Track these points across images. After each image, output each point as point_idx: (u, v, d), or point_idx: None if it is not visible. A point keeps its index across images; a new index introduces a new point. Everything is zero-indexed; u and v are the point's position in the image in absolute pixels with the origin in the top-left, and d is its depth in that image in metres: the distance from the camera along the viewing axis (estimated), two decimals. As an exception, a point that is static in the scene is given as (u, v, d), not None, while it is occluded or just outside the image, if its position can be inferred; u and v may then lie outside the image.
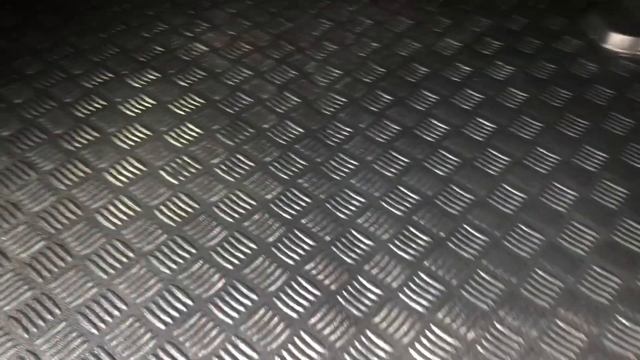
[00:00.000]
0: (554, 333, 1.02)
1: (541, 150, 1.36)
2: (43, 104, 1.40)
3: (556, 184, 1.28)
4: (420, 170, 1.30)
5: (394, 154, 1.33)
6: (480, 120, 1.43)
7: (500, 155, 1.34)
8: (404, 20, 1.73)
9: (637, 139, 1.39)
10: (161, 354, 0.96)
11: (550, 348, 1.00)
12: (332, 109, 1.44)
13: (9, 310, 1.01)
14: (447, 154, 1.34)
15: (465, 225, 1.19)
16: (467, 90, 1.51)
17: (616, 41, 1.65)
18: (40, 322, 0.99)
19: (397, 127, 1.40)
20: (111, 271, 1.07)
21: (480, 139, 1.38)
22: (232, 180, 1.25)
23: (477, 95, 1.50)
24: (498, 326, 1.03)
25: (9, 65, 1.49)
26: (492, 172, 1.30)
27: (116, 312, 1.01)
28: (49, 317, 1.00)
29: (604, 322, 1.04)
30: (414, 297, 1.07)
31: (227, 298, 1.05)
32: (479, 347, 1.00)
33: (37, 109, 1.38)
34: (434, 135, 1.38)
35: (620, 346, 1.01)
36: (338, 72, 1.54)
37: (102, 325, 1.00)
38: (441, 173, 1.29)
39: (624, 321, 1.04)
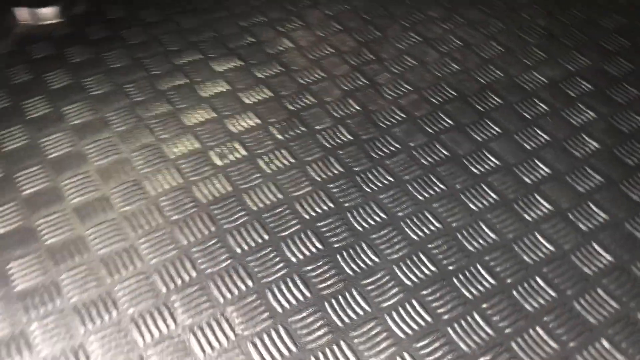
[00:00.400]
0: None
1: (592, 206, 1.27)
2: (137, 71, 1.57)
3: (595, 246, 1.20)
4: (453, 200, 1.28)
5: (432, 178, 1.33)
6: (537, 162, 1.37)
7: (544, 203, 1.28)
8: (495, 46, 1.68)
9: None
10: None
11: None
12: (388, 123, 1.46)
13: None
14: (488, 190, 1.30)
15: (475, 267, 1.16)
16: (535, 129, 1.44)
17: None
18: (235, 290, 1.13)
19: (446, 153, 1.39)
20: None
21: (529, 181, 1.33)
22: (269, 172, 1.33)
23: (544, 136, 1.43)
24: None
25: (116, 33, 1.69)
26: (528, 218, 1.25)
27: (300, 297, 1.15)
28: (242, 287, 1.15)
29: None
30: (400, 322, 1.08)
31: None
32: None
33: (129, 76, 1.56)
34: (481, 168, 1.35)
35: None
36: (408, 87, 1.55)
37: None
38: (474, 207, 1.27)
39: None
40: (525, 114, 1.49)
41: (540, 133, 1.43)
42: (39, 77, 1.56)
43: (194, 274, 1.14)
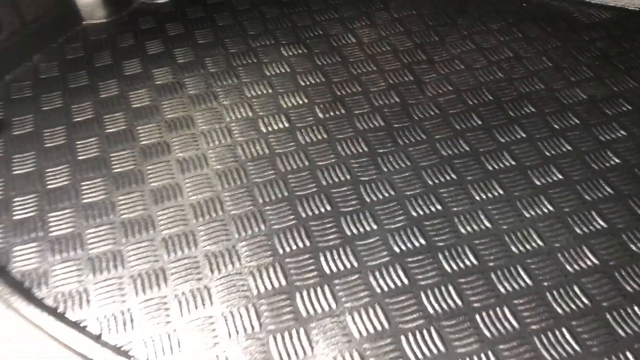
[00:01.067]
0: None
1: (594, 214, 1.34)
2: (217, 47, 1.84)
3: (585, 249, 1.27)
4: (460, 189, 1.40)
5: (447, 168, 1.45)
6: (553, 170, 1.44)
7: (545, 203, 1.36)
8: (545, 62, 1.75)
9: None
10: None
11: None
12: (421, 116, 1.60)
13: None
14: (495, 185, 1.41)
15: (462, 247, 1.28)
16: (560, 139, 1.52)
17: None
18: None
19: (466, 149, 1.50)
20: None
21: (538, 183, 1.41)
22: (303, 142, 1.53)
23: (567, 146, 1.50)
24: None
25: (209, 15, 1.97)
26: (526, 214, 1.34)
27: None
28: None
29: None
30: (381, 282, 1.23)
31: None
32: None
33: (209, 50, 1.83)
34: (495, 166, 1.46)
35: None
36: (449, 87, 1.68)
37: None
38: (477, 198, 1.38)
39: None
40: (555, 124, 1.56)
41: (563, 143, 1.50)
42: (141, 44, 1.87)
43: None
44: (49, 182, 1.47)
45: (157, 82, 1.73)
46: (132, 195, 1.43)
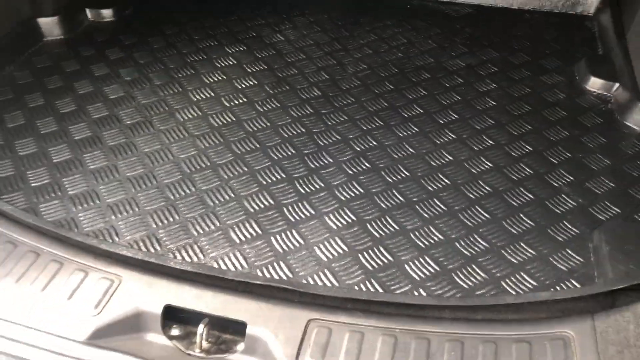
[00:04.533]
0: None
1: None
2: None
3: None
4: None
5: (375, 118, 1.92)
6: (450, 112, 1.96)
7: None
8: (431, 44, 2.31)
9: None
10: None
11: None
12: (348, 87, 2.06)
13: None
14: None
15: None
16: (452, 92, 2.05)
17: None
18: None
19: (385, 105, 1.98)
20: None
21: (438, 123, 1.91)
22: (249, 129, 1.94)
23: (456, 97, 2.03)
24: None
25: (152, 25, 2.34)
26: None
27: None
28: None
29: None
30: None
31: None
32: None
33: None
34: (407, 114, 1.94)
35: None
36: (364, 66, 2.17)
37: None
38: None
39: None
40: (446, 84, 2.09)
41: (453, 95, 2.03)
42: (100, 54, 2.19)
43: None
44: (54, 157, 1.74)
45: (107, 91, 2.04)
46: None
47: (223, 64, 2.15)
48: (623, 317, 1.25)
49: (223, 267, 1.44)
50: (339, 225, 1.55)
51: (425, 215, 1.59)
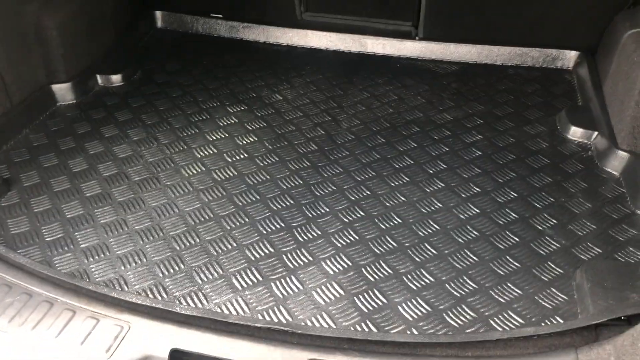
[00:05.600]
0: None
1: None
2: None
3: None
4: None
5: (368, 170, 2.04)
6: (438, 162, 2.08)
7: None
8: (419, 99, 2.46)
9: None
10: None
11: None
12: (342, 141, 2.19)
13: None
14: (403, 176, 2.01)
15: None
16: (440, 144, 2.17)
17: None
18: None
19: (377, 157, 2.10)
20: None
21: (427, 175, 2.03)
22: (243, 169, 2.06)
23: (444, 148, 2.15)
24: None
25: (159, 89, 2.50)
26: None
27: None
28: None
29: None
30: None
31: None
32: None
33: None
34: (398, 165, 2.06)
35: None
36: (357, 122, 2.31)
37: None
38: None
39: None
40: (434, 136, 2.22)
41: (441, 146, 2.16)
42: (110, 116, 2.34)
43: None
44: (67, 213, 1.85)
45: (116, 150, 2.19)
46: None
47: (225, 123, 2.29)
48: (604, 350, 1.33)
49: (226, 312, 1.53)
50: (336, 270, 1.65)
51: (417, 259, 1.68)
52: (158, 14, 3.01)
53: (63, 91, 2.40)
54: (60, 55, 2.34)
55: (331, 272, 1.64)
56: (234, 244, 1.74)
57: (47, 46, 2.30)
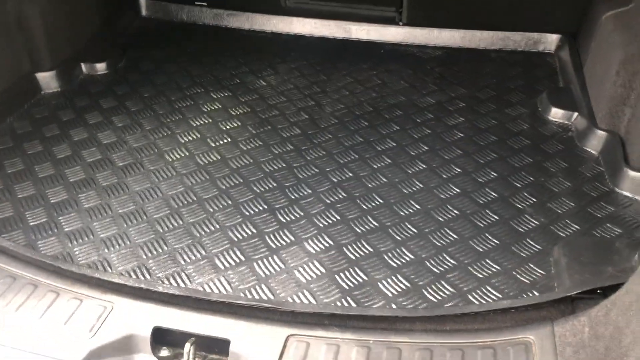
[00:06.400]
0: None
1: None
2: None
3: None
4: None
5: (350, 152, 2.06)
6: (420, 144, 2.10)
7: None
8: (403, 84, 2.47)
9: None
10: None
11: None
12: (325, 125, 2.21)
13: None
14: (385, 158, 2.03)
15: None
16: (422, 127, 2.20)
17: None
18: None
19: (360, 140, 2.12)
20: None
21: (411, 155, 2.05)
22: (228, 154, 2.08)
23: (426, 130, 2.17)
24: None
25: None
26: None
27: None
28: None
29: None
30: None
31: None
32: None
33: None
34: (380, 148, 2.08)
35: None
36: (341, 106, 2.32)
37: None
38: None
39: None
40: (417, 119, 2.24)
41: (424, 129, 2.18)
42: (94, 104, 2.34)
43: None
44: (51, 198, 1.86)
45: (100, 135, 2.17)
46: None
47: (209, 108, 2.31)
48: (579, 322, 1.35)
49: (208, 290, 1.55)
50: (317, 249, 1.67)
51: (398, 237, 1.71)
52: (143, 2, 3.00)
53: (47, 79, 2.40)
54: (44, 43, 2.34)
55: (313, 251, 1.66)
56: (217, 226, 1.75)
57: (30, 35, 2.29)
